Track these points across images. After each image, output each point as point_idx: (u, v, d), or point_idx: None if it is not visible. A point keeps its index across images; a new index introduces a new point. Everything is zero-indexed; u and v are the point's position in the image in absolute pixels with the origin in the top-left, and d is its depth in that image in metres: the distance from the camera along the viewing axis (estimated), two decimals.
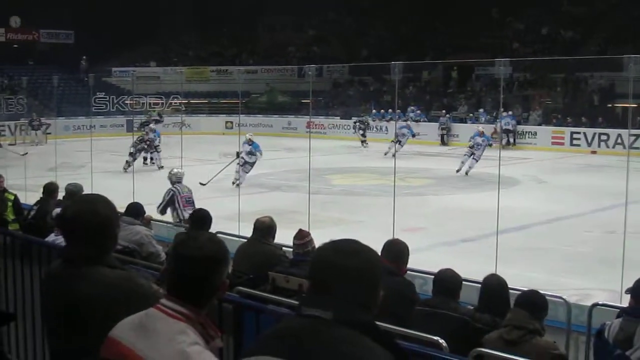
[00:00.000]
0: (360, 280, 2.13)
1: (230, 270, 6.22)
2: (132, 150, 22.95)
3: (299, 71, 41.86)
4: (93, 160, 16.25)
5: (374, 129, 34.75)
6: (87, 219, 3.00)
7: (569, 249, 12.74)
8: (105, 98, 38.96)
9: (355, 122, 33.98)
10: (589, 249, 12.62)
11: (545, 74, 36.58)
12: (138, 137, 23.79)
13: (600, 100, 33.73)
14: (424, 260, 8.39)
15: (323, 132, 36.48)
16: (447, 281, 5.40)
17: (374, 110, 37.20)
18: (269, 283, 5.94)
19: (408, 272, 6.26)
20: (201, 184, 17.58)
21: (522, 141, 32.52)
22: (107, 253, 3.06)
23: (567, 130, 31.59)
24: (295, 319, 2.19)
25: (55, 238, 6.30)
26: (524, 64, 33.90)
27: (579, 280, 10.64)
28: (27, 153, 25.78)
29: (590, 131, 30.76)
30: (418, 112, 36.33)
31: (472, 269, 6.97)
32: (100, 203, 3.08)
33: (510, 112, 32.69)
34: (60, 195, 9.78)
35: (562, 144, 31.17)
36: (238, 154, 18.79)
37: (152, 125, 25.35)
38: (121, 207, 6.86)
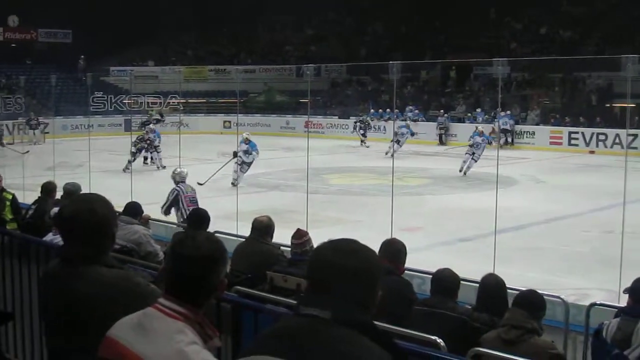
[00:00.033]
0: (358, 280, 2.13)
1: (229, 269, 6.23)
2: (133, 150, 22.90)
3: (297, 71, 41.91)
4: (91, 160, 16.24)
5: (373, 129, 34.75)
6: (85, 218, 2.99)
7: (567, 248, 12.75)
8: (103, 97, 38.97)
9: (355, 122, 33.97)
10: (587, 249, 12.63)
11: (544, 73, 36.60)
12: (138, 137, 23.73)
13: (598, 100, 33.76)
14: (422, 259, 8.40)
15: (321, 132, 36.46)
16: (445, 281, 5.39)
17: (372, 110, 37.21)
18: (267, 282, 5.94)
19: (406, 271, 6.26)
20: (199, 183, 17.55)
21: (520, 141, 32.55)
22: (105, 252, 3.05)
23: (565, 130, 31.62)
24: (294, 318, 2.19)
25: (54, 237, 6.28)
26: (522, 63, 33.90)
27: (576, 279, 10.65)
28: (28, 151, 25.87)
29: (588, 131, 30.78)
30: (416, 111, 36.34)
31: (470, 269, 6.97)
32: (98, 202, 3.08)
33: (508, 112, 32.74)
34: (59, 194, 9.76)
35: (560, 143, 31.19)
36: (235, 154, 18.77)
37: (151, 126, 25.24)
38: (119, 206, 6.85)
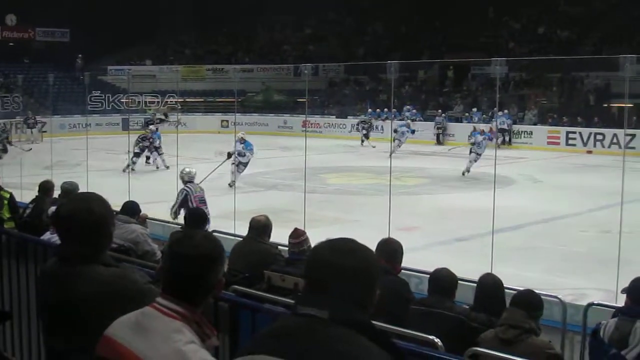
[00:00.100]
0: (356, 279, 2.13)
1: (226, 269, 6.22)
2: (136, 150, 22.81)
3: (295, 70, 41.91)
4: (89, 159, 16.25)
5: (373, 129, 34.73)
6: (83, 217, 2.99)
7: (564, 248, 12.76)
8: (101, 96, 38.94)
9: (358, 122, 33.89)
10: (585, 249, 12.64)
11: (541, 73, 36.63)
12: (140, 136, 23.60)
13: (596, 100, 33.78)
14: (419, 259, 8.41)
15: (319, 131, 36.44)
16: (443, 280, 5.40)
17: (369, 110, 37.20)
18: (265, 282, 5.93)
19: (403, 271, 6.27)
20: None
21: (518, 140, 32.57)
22: (102, 251, 3.05)
23: (563, 129, 31.62)
24: (291, 317, 2.18)
25: (51, 236, 6.28)
26: (519, 63, 33.92)
27: (574, 279, 10.66)
28: (31, 149, 25.91)
29: (585, 131, 30.78)
30: (414, 111, 36.33)
31: (468, 268, 6.97)
32: (95, 201, 3.08)
33: (506, 112, 32.74)
34: (56, 193, 9.77)
35: (558, 143, 31.19)
36: (229, 155, 18.66)
37: (152, 127, 25.12)
38: (117, 205, 6.86)
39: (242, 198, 14.92)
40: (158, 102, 39.18)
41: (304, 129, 28.78)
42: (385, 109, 35.60)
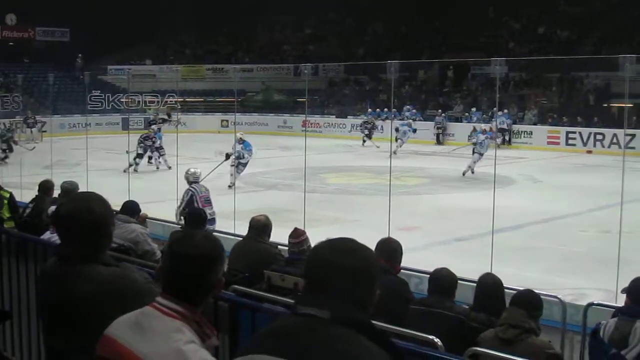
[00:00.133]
0: (356, 279, 2.12)
1: (226, 268, 6.22)
2: (139, 150, 22.77)
3: (295, 70, 41.91)
4: (88, 158, 16.24)
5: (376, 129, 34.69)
6: (82, 217, 2.99)
7: (564, 248, 12.77)
8: (101, 96, 38.95)
9: (362, 123, 33.80)
10: (585, 249, 12.65)
11: (541, 73, 36.62)
12: (142, 135, 23.54)
13: (596, 100, 33.78)
14: (419, 259, 8.41)
15: (318, 131, 36.44)
16: (443, 280, 5.40)
17: (369, 110, 37.18)
18: (265, 282, 5.93)
19: (403, 271, 6.26)
20: None
21: (518, 140, 32.57)
22: (102, 251, 3.05)
23: (563, 129, 31.63)
24: (291, 317, 2.18)
25: (51, 236, 6.27)
26: (519, 63, 33.91)
27: (574, 279, 10.66)
28: (34, 147, 25.90)
29: (585, 131, 30.79)
30: (414, 111, 36.31)
31: (468, 268, 6.97)
32: (95, 201, 3.07)
33: (505, 111, 32.73)
34: (56, 193, 9.77)
35: (558, 143, 31.20)
36: (228, 156, 18.59)
37: (154, 127, 25.08)
38: (116, 205, 6.86)
39: (242, 198, 14.92)
40: (158, 101, 39.19)
41: (304, 128, 28.74)
42: (385, 109, 35.57)
